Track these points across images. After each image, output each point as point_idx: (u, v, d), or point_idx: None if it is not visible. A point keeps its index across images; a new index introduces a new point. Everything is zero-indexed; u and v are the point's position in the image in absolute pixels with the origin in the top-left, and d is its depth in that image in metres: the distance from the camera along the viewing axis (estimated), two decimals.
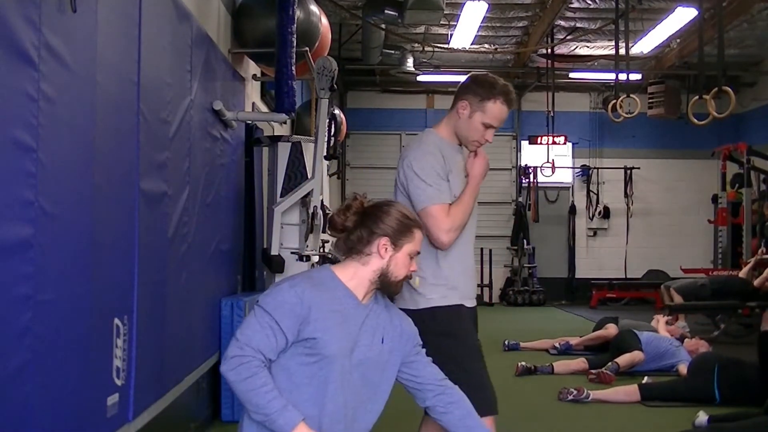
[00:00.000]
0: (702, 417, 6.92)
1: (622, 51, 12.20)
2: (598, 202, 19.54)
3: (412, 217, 3.38)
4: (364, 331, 3.33)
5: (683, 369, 8.98)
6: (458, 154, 4.34)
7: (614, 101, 11.75)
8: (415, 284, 3.84)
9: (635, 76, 16.58)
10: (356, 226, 3.30)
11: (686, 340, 9.79)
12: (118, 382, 4.53)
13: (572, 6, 14.67)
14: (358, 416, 3.37)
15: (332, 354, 3.19)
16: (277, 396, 3.09)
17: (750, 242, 14.78)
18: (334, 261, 8.53)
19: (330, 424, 3.25)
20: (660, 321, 10.03)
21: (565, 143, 18.80)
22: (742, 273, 13.75)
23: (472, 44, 16.31)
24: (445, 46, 16.48)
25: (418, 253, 3.40)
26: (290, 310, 3.11)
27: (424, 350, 3.60)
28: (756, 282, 13.07)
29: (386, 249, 3.27)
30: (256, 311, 3.14)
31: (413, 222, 3.36)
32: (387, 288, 3.34)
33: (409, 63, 17.01)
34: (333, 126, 8.57)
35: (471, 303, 4.27)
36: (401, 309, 3.71)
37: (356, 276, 3.29)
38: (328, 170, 9.26)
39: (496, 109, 4.16)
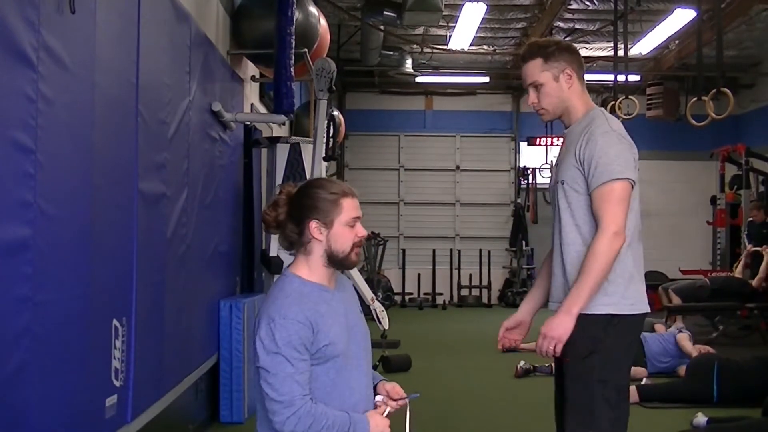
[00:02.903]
0: (700, 418, 6.93)
1: (620, 52, 12.20)
2: None
3: (334, 189, 3.25)
4: (349, 313, 3.35)
5: (682, 370, 8.99)
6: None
7: (613, 102, 11.74)
8: None
9: (634, 78, 16.58)
10: (287, 218, 3.26)
11: (695, 345, 9.76)
12: (117, 384, 4.53)
13: (571, 7, 14.67)
14: (370, 384, 3.42)
15: (342, 350, 3.20)
16: (337, 416, 3.11)
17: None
18: None
19: (366, 403, 3.30)
20: (683, 339, 9.88)
21: (563, 145, 18.72)
22: (737, 272, 13.76)
23: (470, 45, 16.30)
24: (444, 47, 16.48)
25: (358, 217, 3.27)
26: (298, 338, 3.08)
27: None
28: (754, 282, 13.08)
29: (319, 230, 3.19)
30: (273, 362, 3.06)
31: (338, 193, 3.22)
32: (341, 264, 3.28)
33: (408, 64, 17.01)
34: (332, 127, 8.56)
35: (554, 306, 3.93)
36: None
37: (311, 268, 3.25)
38: (327, 171, 9.25)
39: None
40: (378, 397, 3.35)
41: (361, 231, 3.27)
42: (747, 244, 14.14)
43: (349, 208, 3.23)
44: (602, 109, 3.99)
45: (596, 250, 3.57)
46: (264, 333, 3.08)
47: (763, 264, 13.17)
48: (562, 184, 3.82)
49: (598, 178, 3.65)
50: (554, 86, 3.85)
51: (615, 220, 3.59)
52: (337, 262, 3.25)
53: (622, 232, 3.59)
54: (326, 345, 3.14)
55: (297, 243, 3.26)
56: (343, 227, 3.21)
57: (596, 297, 3.64)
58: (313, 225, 3.18)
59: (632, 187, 3.67)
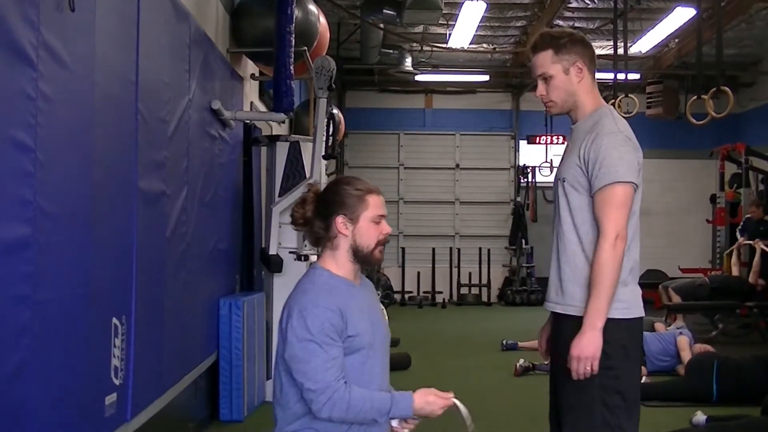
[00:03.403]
0: (700, 416, 6.94)
1: (620, 51, 12.19)
2: None
3: (361, 186, 3.32)
4: (372, 310, 3.40)
5: (682, 369, 9.00)
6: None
7: (612, 101, 11.72)
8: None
9: (633, 76, 16.57)
10: (314, 215, 3.32)
11: (695, 345, 9.77)
12: (117, 382, 4.54)
13: (571, 6, 14.67)
14: (387, 383, 3.45)
15: (368, 342, 3.25)
16: (376, 397, 3.15)
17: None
18: None
19: None
20: (683, 344, 9.86)
21: (563, 143, 18.67)
22: (734, 268, 13.77)
23: (470, 44, 16.29)
24: (444, 45, 16.46)
25: (383, 215, 3.34)
26: (331, 326, 3.12)
27: None
28: (750, 278, 13.10)
29: (345, 225, 3.26)
30: (306, 349, 3.10)
31: (364, 190, 3.31)
32: (365, 260, 3.33)
33: (408, 62, 16.99)
34: (331, 125, 8.56)
35: (550, 306, 3.91)
36: None
37: (338, 263, 3.31)
38: (326, 170, 9.26)
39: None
40: (394, 422, 3.30)
41: (386, 228, 3.33)
42: (739, 237, 14.17)
43: (374, 204, 3.30)
44: (611, 107, 3.93)
45: (602, 259, 3.53)
46: (296, 322, 3.13)
47: (756, 258, 13.23)
48: (563, 182, 3.77)
49: (601, 180, 3.60)
50: (564, 79, 3.78)
51: (616, 225, 3.55)
52: (361, 258, 3.31)
53: (624, 236, 3.55)
54: (354, 336, 3.19)
55: (323, 238, 3.32)
56: (368, 223, 3.27)
57: (581, 300, 3.64)
58: (340, 220, 3.25)
59: (635, 190, 3.64)
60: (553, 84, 3.79)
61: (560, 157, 4.02)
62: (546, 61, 3.78)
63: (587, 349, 3.49)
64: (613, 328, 3.57)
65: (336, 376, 3.09)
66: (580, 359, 3.50)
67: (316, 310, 3.13)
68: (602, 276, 3.52)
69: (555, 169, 3.98)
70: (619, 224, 3.55)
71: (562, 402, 3.72)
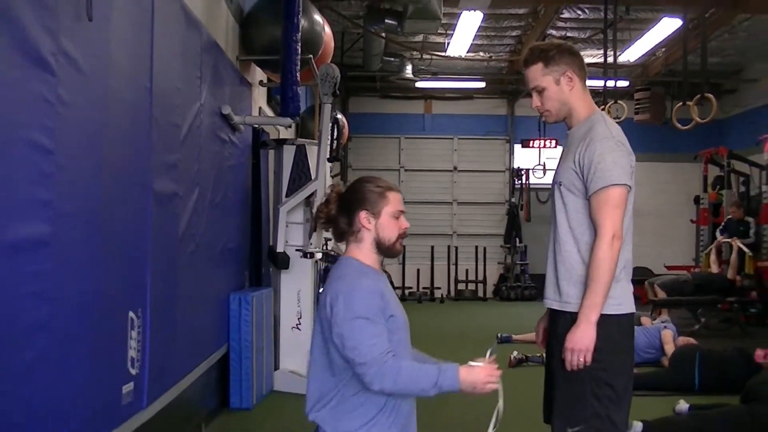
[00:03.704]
0: (683, 405, 6.95)
1: (610, 59, 12.21)
2: None
3: (382, 183, 3.38)
4: (395, 296, 3.43)
5: (666, 361, 9.01)
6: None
7: (602, 107, 11.74)
8: None
9: (622, 83, 16.59)
10: (338, 212, 3.36)
11: (679, 338, 9.76)
12: (133, 372, 4.54)
13: (563, 16, 14.69)
14: None
15: (402, 323, 3.30)
16: (423, 368, 3.14)
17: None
18: (336, 258, 8.54)
19: None
20: (667, 339, 9.85)
21: (555, 147, 18.77)
22: (713, 266, 13.77)
23: (468, 52, 16.33)
24: (442, 53, 16.48)
25: (402, 211, 3.38)
26: (375, 304, 3.15)
27: None
28: (729, 275, 13.12)
29: (368, 220, 3.30)
30: (355, 326, 3.10)
31: (384, 187, 3.36)
32: (388, 252, 3.37)
33: (408, 70, 17.01)
34: (336, 130, 8.59)
35: (548, 303, 3.90)
36: None
37: (364, 254, 3.33)
38: (331, 172, 9.26)
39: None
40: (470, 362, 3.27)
41: (405, 223, 3.38)
42: (719, 236, 14.20)
43: (394, 200, 3.35)
44: (603, 113, 3.91)
45: (599, 257, 3.53)
46: (341, 304, 3.13)
47: (733, 255, 13.26)
48: (560, 185, 3.76)
49: (596, 183, 3.59)
50: (556, 89, 3.77)
51: (613, 225, 3.55)
52: (384, 250, 3.34)
53: (620, 235, 3.55)
54: (392, 316, 3.22)
55: (347, 233, 3.36)
56: (389, 218, 3.32)
57: (576, 297, 3.63)
58: (363, 215, 3.29)
59: (628, 192, 3.63)
60: (547, 95, 3.78)
61: (556, 161, 4.01)
62: (537, 74, 3.77)
63: (581, 341, 3.49)
64: (604, 323, 3.55)
65: (384, 349, 3.09)
66: (574, 351, 3.51)
67: (359, 291, 3.17)
68: (599, 273, 3.52)
69: (552, 173, 3.92)
70: (615, 224, 3.55)
71: (555, 393, 3.71)
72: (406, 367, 3.11)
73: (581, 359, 3.50)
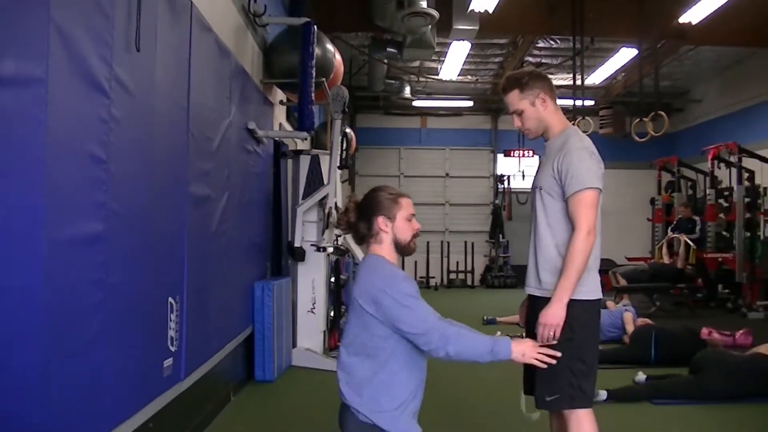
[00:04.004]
0: (641, 376, 6.96)
1: (578, 82, 12.23)
2: None
3: (394, 191, 3.37)
4: None
5: (627, 339, 9.02)
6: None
7: (573, 122, 11.70)
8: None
9: (589, 102, 16.51)
10: (357, 219, 3.35)
11: (638, 319, 9.75)
12: (172, 349, 4.56)
13: (538, 46, 14.72)
14: None
15: None
16: (478, 336, 3.13)
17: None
18: (345, 251, 8.55)
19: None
20: (628, 319, 9.84)
21: (533, 156, 18.83)
22: (664, 257, 13.78)
23: (457, 75, 16.32)
24: (436, 77, 16.51)
25: (414, 214, 3.38)
26: (413, 287, 3.17)
27: None
28: (679, 265, 13.13)
29: (385, 223, 3.29)
30: (410, 303, 3.09)
31: (396, 194, 3.36)
32: (404, 250, 3.36)
33: (407, 91, 17.01)
34: (345, 142, 8.58)
35: (529, 290, 3.88)
36: None
37: (386, 253, 3.32)
38: (340, 178, 9.27)
39: None
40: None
41: (416, 224, 3.38)
42: (670, 232, 14.24)
43: (406, 205, 3.36)
44: (576, 127, 3.92)
45: (575, 248, 3.54)
46: (390, 291, 3.10)
47: (681, 248, 13.27)
48: (540, 189, 3.75)
49: (573, 187, 3.60)
50: (532, 110, 3.77)
51: (588, 222, 3.56)
52: (401, 249, 3.33)
53: (594, 230, 3.56)
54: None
55: (367, 236, 3.34)
56: (403, 221, 3.32)
57: (554, 285, 3.63)
58: (380, 220, 3.29)
59: (599, 194, 3.64)
60: (525, 116, 3.79)
61: (535, 169, 4.00)
62: (515, 100, 3.78)
63: (552, 318, 3.51)
64: (578, 307, 3.57)
65: (438, 317, 3.10)
66: (546, 326, 3.52)
67: (400, 278, 3.16)
68: (573, 261, 3.53)
69: (530, 178, 3.93)
70: (590, 221, 3.56)
71: (536, 367, 3.72)
72: (463, 332, 3.10)
73: (551, 333, 3.52)
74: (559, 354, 3.43)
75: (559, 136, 3.80)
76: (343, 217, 3.40)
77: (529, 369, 3.81)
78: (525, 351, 3.21)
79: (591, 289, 3.67)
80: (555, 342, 3.51)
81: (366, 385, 3.17)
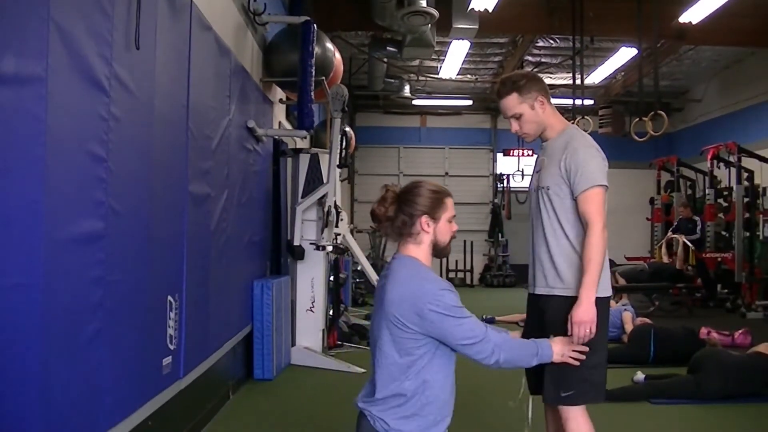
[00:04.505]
0: (639, 375, 6.96)
1: (578, 81, 12.23)
2: None
3: (440, 190, 3.18)
4: None
5: (626, 338, 9.02)
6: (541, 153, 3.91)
7: (573, 121, 11.73)
8: None
9: (588, 102, 16.55)
10: (397, 213, 3.11)
11: (637, 318, 9.75)
12: (171, 347, 4.56)
13: (538, 45, 14.72)
14: None
15: None
16: (522, 342, 3.11)
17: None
18: (344, 251, 8.54)
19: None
20: (627, 319, 9.84)
21: (532, 155, 18.79)
22: (663, 257, 13.80)
23: (457, 75, 16.33)
24: (436, 76, 16.52)
25: (454, 215, 3.23)
26: (457, 298, 3.00)
27: None
28: (677, 265, 13.14)
29: (428, 224, 3.10)
30: (458, 316, 2.95)
31: (442, 193, 3.18)
32: (441, 252, 3.19)
33: (406, 90, 17.00)
34: (344, 140, 8.58)
35: (531, 289, 3.88)
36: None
37: (422, 254, 3.14)
38: (340, 176, 9.27)
39: None
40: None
41: (455, 226, 3.22)
42: (670, 233, 14.24)
43: (450, 207, 3.19)
44: (576, 126, 3.91)
45: (594, 245, 3.52)
46: (435, 304, 2.94)
47: (679, 249, 13.27)
48: (547, 190, 3.70)
49: (583, 184, 3.59)
50: (531, 114, 3.72)
51: (600, 218, 3.56)
52: (439, 251, 3.18)
53: (605, 226, 3.57)
54: None
55: (406, 234, 3.13)
56: (446, 223, 3.16)
57: (575, 283, 3.61)
58: (424, 219, 3.10)
59: (606, 191, 3.64)
60: (524, 119, 3.74)
61: (533, 168, 3.95)
62: (513, 104, 3.72)
63: (586, 315, 3.48)
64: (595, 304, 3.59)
65: (485, 326, 3.00)
66: (582, 324, 3.48)
67: (445, 290, 2.98)
68: (594, 258, 3.52)
69: (527, 177, 3.86)
70: (601, 217, 3.57)
71: (547, 364, 3.59)
72: (509, 340, 3.03)
73: (587, 331, 3.49)
74: (587, 350, 3.45)
75: (561, 135, 3.79)
76: (379, 207, 3.14)
77: (535, 368, 3.81)
78: (563, 351, 3.21)
79: (604, 287, 3.66)
80: (591, 338, 3.53)
81: (397, 398, 3.01)
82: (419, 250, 3.12)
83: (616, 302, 10.79)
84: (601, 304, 3.64)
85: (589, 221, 3.59)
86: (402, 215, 3.10)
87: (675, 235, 13.77)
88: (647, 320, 9.48)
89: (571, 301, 3.59)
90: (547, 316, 3.69)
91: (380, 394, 3.02)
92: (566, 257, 3.68)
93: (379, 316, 3.07)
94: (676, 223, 14.55)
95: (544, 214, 3.75)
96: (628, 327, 9.31)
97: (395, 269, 3.10)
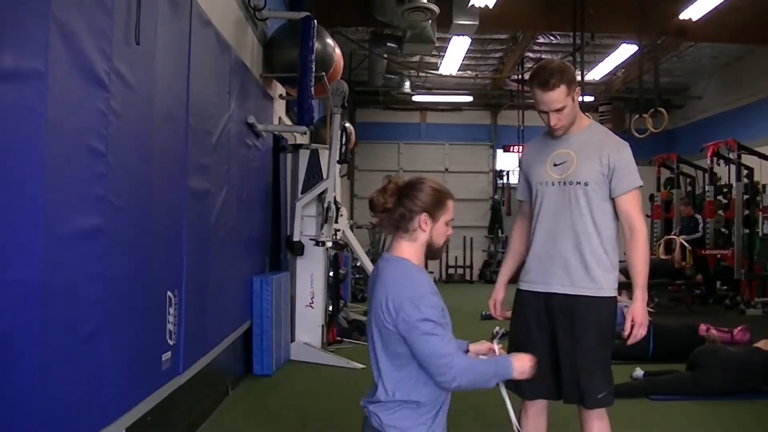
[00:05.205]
0: (638, 372, 6.97)
1: (578, 78, 12.21)
2: None
3: (443, 190, 3.05)
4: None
5: (625, 334, 9.02)
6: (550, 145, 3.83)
7: None
8: None
9: (588, 98, 16.61)
10: (396, 205, 2.98)
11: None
12: (171, 343, 4.57)
13: (538, 41, 14.71)
14: None
15: (448, 321, 3.01)
16: (483, 362, 2.98)
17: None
18: (344, 247, 8.54)
19: None
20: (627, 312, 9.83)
21: None
22: (662, 254, 13.79)
23: (457, 71, 16.31)
24: (436, 72, 16.50)
25: (452, 219, 3.07)
26: (439, 307, 2.88)
27: None
28: (675, 264, 13.13)
29: (426, 223, 2.97)
30: (430, 330, 2.81)
31: (445, 194, 3.04)
32: (433, 254, 3.06)
33: (407, 86, 17.00)
34: (344, 136, 8.58)
35: (534, 287, 3.81)
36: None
37: (415, 253, 3.01)
38: (339, 172, 9.27)
39: (535, 97, 3.69)
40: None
41: (450, 230, 3.09)
42: (674, 234, 14.15)
43: (450, 209, 3.07)
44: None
45: (642, 249, 3.60)
46: (411, 311, 2.82)
47: (677, 248, 13.24)
48: (585, 185, 3.62)
49: (628, 185, 3.60)
50: (572, 106, 3.64)
51: (643, 222, 3.64)
52: (431, 251, 3.06)
53: None
54: (443, 309, 2.96)
55: (402, 228, 3.00)
56: (443, 225, 3.03)
57: (607, 283, 3.66)
58: (423, 218, 2.97)
59: None
60: (565, 112, 3.63)
61: (540, 159, 3.81)
62: (562, 96, 3.58)
63: (644, 317, 3.62)
64: (610, 303, 3.68)
65: (454, 349, 2.86)
66: (642, 324, 3.60)
67: (426, 298, 2.86)
68: (644, 262, 3.62)
69: (551, 171, 3.65)
70: (643, 221, 3.65)
71: (580, 367, 3.65)
72: (472, 363, 2.92)
73: (643, 332, 3.61)
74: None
75: (588, 129, 3.76)
76: (379, 197, 3.02)
77: (553, 371, 3.75)
78: (524, 368, 3.04)
79: (615, 286, 3.72)
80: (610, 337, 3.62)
81: (394, 396, 2.94)
82: (412, 249, 3.02)
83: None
84: (612, 302, 3.66)
85: (634, 223, 3.62)
86: (401, 208, 2.98)
87: (673, 236, 13.70)
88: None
89: (604, 301, 3.63)
90: (577, 317, 3.65)
91: (378, 395, 2.96)
92: (597, 257, 3.65)
93: (370, 316, 3.02)
94: (680, 226, 14.48)
95: (575, 210, 3.65)
96: (628, 323, 9.31)
97: (384, 270, 3.02)
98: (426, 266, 3.11)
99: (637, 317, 3.57)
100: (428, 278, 3.00)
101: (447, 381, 2.84)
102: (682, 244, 13.27)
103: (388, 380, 2.93)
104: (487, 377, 2.92)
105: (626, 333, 3.58)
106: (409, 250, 3.01)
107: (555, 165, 3.73)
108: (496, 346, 3.15)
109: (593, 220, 3.64)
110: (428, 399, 2.93)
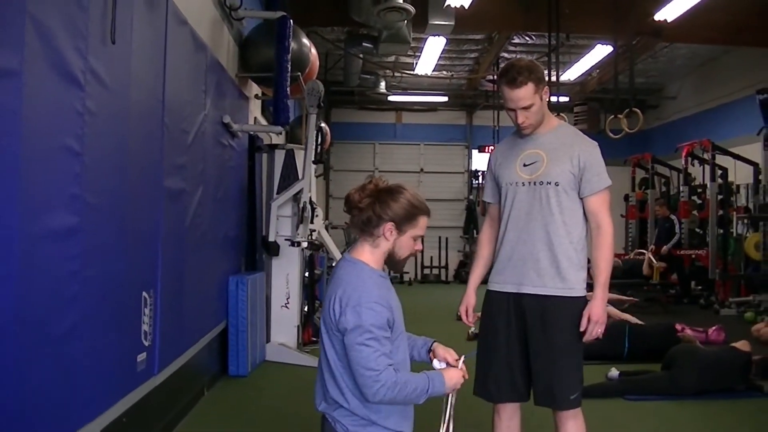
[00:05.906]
0: (614, 372, 7.02)
1: (553, 78, 12.30)
2: None
3: (419, 206, 2.93)
4: (395, 294, 3.04)
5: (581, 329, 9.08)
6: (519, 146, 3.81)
7: None
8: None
9: (564, 99, 16.71)
10: (367, 207, 2.89)
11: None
12: (146, 343, 4.56)
13: (513, 42, 14.79)
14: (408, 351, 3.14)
15: (401, 330, 3.00)
16: (417, 378, 2.87)
17: (653, 233, 14.91)
18: (319, 247, 8.52)
19: (405, 368, 3.02)
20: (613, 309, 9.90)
21: None
22: (645, 269, 13.87)
23: (433, 71, 16.37)
24: (411, 72, 16.55)
25: (422, 236, 2.99)
26: (384, 320, 2.78)
27: None
28: (644, 271, 13.15)
29: (391, 232, 2.89)
30: (365, 340, 2.74)
31: (420, 210, 2.93)
32: (393, 265, 3.02)
33: (382, 86, 17.02)
34: (320, 136, 8.57)
35: (505, 287, 3.80)
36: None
37: (374, 258, 2.94)
38: (315, 172, 9.26)
39: (503, 94, 3.67)
40: (436, 362, 3.09)
41: (419, 246, 3.03)
42: (653, 246, 14.12)
43: (422, 226, 2.98)
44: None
45: (609, 247, 3.64)
46: (351, 316, 2.77)
47: (645, 262, 13.23)
48: (556, 185, 3.62)
49: (597, 185, 3.64)
50: (540, 104, 3.63)
51: (610, 222, 3.66)
52: (392, 263, 3.01)
53: None
54: (395, 327, 2.90)
55: (366, 232, 2.93)
56: (410, 239, 2.95)
57: (577, 283, 3.67)
58: (389, 227, 2.89)
59: None
60: (533, 110, 3.63)
61: (509, 160, 3.80)
62: (529, 94, 3.58)
63: (603, 315, 3.62)
64: (581, 303, 3.65)
65: (387, 362, 2.76)
66: (598, 322, 3.59)
67: (370, 305, 2.78)
68: (610, 260, 3.65)
69: (521, 171, 3.65)
70: (610, 220, 3.69)
71: (554, 368, 3.65)
72: (402, 380, 2.80)
73: (601, 330, 3.60)
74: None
75: (557, 129, 3.76)
76: (355, 195, 2.93)
77: (524, 374, 3.74)
78: (456, 383, 2.99)
79: (585, 287, 3.72)
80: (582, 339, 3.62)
81: (344, 396, 2.90)
82: (372, 255, 2.96)
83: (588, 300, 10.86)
84: (585, 302, 3.68)
85: (601, 222, 3.66)
86: (371, 212, 2.90)
87: (647, 253, 13.65)
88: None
89: (575, 301, 3.63)
90: (548, 317, 3.65)
91: (330, 399, 2.92)
92: (568, 257, 3.66)
93: (323, 315, 2.97)
94: (657, 232, 14.50)
95: (546, 211, 3.65)
96: (617, 313, 9.38)
97: (340, 269, 2.98)
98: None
99: (594, 314, 3.58)
100: (384, 285, 2.94)
101: (370, 394, 2.78)
102: (649, 260, 13.30)
103: (342, 382, 2.89)
104: (415, 394, 2.84)
105: (582, 329, 3.59)
106: (369, 254, 2.96)
107: (525, 165, 3.72)
108: (461, 364, 3.08)
109: (564, 220, 3.65)
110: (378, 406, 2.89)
